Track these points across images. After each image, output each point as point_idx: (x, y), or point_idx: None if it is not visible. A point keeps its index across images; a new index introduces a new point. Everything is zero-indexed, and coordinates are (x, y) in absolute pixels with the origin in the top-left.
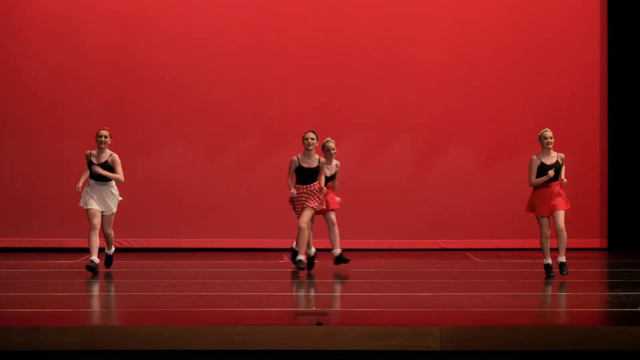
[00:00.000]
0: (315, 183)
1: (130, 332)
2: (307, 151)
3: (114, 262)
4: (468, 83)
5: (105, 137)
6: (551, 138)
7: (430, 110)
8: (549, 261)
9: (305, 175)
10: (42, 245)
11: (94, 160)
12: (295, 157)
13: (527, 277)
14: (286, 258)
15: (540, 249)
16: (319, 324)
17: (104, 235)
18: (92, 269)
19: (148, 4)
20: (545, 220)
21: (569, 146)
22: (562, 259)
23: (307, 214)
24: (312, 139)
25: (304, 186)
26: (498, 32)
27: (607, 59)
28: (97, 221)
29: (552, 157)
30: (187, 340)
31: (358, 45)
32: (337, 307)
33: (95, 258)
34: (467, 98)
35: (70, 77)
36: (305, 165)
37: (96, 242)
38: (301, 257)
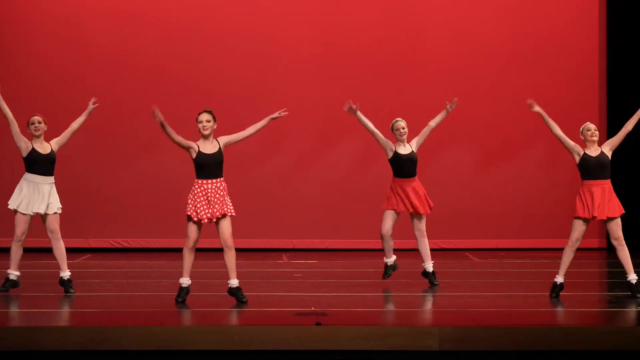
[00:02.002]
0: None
1: (130, 332)
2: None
3: (115, 262)
4: (468, 83)
5: (39, 122)
6: (595, 130)
7: (430, 110)
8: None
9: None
10: (40, 245)
11: (39, 150)
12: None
13: (526, 277)
14: (285, 258)
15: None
16: (318, 324)
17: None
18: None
19: (150, 5)
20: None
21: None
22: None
23: None
24: (208, 120)
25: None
26: (498, 33)
27: (606, 59)
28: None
29: (596, 150)
30: (187, 340)
31: (358, 47)
32: (337, 307)
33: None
34: (467, 99)
35: (71, 75)
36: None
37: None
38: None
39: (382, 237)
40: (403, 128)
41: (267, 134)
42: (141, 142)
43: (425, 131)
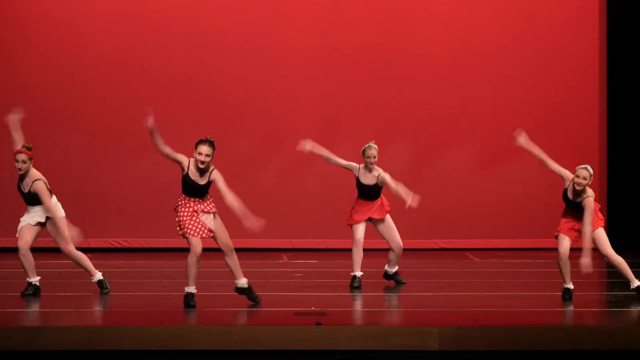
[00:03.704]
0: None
1: (130, 332)
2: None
3: (115, 262)
4: (467, 85)
5: (24, 162)
6: (584, 179)
7: (430, 112)
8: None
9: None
10: (42, 245)
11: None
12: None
13: (525, 277)
14: (285, 258)
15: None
16: (318, 324)
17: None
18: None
19: (150, 7)
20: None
21: (568, 149)
22: None
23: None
24: (208, 155)
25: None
26: (497, 35)
27: (607, 61)
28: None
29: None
30: (187, 340)
31: (358, 48)
32: (337, 307)
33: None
34: (466, 100)
35: (71, 76)
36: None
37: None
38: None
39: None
40: (374, 157)
41: (267, 134)
42: (141, 143)
43: (390, 185)
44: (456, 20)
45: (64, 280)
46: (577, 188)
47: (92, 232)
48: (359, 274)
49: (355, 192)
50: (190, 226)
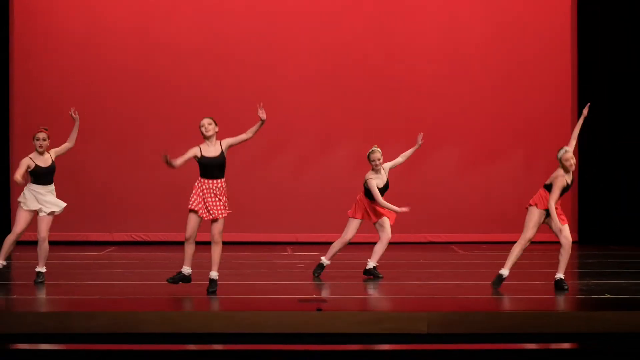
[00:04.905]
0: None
1: (150, 317)
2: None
3: (136, 254)
4: (456, 91)
5: (44, 139)
6: (573, 159)
7: (420, 115)
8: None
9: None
10: (69, 239)
11: (42, 165)
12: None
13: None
14: (289, 250)
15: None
16: (319, 309)
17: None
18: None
19: (159, 22)
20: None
21: (543, 150)
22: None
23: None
24: (210, 123)
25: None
26: (484, 46)
27: (577, 70)
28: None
29: (570, 175)
30: (201, 324)
31: (356, 60)
32: (336, 295)
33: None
34: (455, 105)
35: (90, 85)
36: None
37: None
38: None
39: (344, 245)
40: (379, 159)
41: (271, 136)
42: (159, 145)
43: (398, 161)
44: (448, 35)
45: (91, 271)
46: (572, 169)
47: (116, 227)
48: (327, 262)
49: (359, 189)
50: (194, 199)
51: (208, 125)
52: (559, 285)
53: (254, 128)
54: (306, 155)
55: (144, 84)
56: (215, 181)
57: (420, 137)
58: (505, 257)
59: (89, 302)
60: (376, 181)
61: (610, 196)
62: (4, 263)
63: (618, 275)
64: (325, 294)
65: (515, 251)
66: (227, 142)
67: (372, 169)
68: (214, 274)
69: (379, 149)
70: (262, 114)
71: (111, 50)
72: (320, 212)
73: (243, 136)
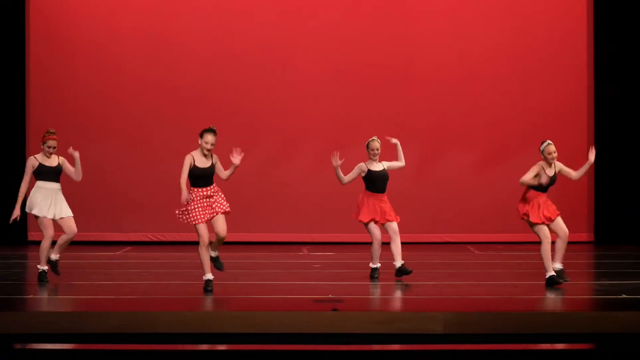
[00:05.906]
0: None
1: (164, 317)
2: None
3: (152, 254)
4: (470, 94)
5: (54, 147)
6: (555, 152)
7: (435, 117)
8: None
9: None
10: (85, 239)
11: (45, 163)
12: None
13: (520, 268)
14: (305, 250)
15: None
16: (335, 309)
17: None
18: None
19: (172, 29)
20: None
21: (559, 148)
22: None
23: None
24: (213, 144)
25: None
26: (496, 48)
27: (594, 69)
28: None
29: (551, 169)
30: (216, 324)
31: (369, 61)
32: (351, 295)
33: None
34: (469, 107)
35: (105, 92)
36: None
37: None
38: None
39: (379, 244)
40: (377, 149)
41: (287, 137)
42: (175, 146)
43: (395, 165)
44: (459, 36)
45: (106, 271)
46: (554, 162)
47: (132, 227)
48: (377, 265)
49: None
50: (196, 214)
51: (211, 146)
52: (560, 275)
53: (228, 172)
54: (322, 155)
55: (163, 85)
56: (207, 188)
57: (392, 139)
58: (521, 257)
59: (102, 302)
60: (374, 167)
61: (626, 196)
62: (46, 268)
63: (634, 275)
64: (340, 294)
65: (545, 252)
66: (217, 159)
67: (370, 159)
68: (213, 253)
69: (378, 140)
70: (236, 160)
71: (126, 52)
72: (336, 212)
73: (221, 172)
